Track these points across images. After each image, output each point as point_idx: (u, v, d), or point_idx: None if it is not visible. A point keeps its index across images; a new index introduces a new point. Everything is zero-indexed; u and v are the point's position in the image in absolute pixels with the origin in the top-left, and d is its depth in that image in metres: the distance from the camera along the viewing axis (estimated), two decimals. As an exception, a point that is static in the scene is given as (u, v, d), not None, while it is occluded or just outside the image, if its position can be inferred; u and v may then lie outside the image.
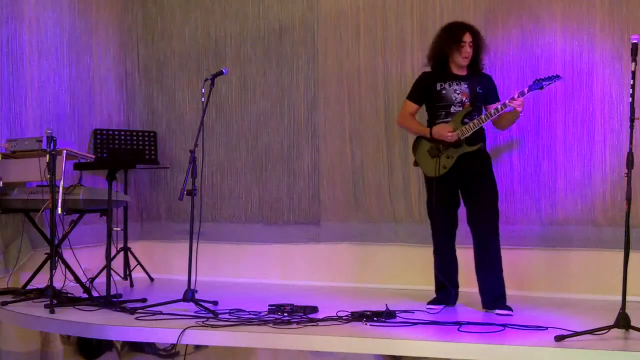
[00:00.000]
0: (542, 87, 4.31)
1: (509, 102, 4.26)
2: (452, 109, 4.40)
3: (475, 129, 4.33)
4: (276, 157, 5.92)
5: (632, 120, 3.52)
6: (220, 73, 4.63)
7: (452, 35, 4.39)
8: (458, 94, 4.41)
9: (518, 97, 4.24)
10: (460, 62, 4.39)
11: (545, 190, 5.09)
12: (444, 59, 4.44)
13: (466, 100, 4.40)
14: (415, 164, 4.59)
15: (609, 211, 4.91)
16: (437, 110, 4.45)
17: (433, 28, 5.33)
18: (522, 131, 5.14)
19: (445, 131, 4.34)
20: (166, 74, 6.29)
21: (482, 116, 4.35)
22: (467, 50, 4.37)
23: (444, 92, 4.42)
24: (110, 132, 5.95)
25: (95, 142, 5.88)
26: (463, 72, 4.45)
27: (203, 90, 4.55)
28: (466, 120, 4.36)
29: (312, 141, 5.80)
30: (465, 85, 4.41)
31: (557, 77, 4.34)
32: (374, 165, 5.58)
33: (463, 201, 4.50)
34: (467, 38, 4.36)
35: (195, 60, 6.18)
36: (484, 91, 4.46)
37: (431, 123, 4.48)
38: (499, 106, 4.31)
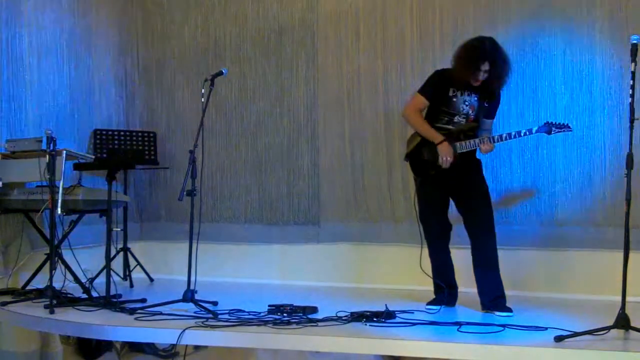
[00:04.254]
0: (550, 132, 4.33)
1: (515, 135, 4.32)
2: (456, 119, 4.40)
3: (473, 149, 4.37)
4: (276, 158, 5.92)
5: (632, 120, 3.52)
6: (220, 73, 4.62)
7: (470, 60, 4.27)
8: (467, 105, 4.39)
9: (524, 134, 4.28)
10: (471, 82, 4.35)
11: (545, 191, 5.09)
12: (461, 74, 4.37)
13: (472, 114, 4.40)
14: (406, 158, 4.58)
15: (608, 211, 4.91)
16: (440, 114, 4.43)
17: (433, 28, 5.36)
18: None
19: (448, 155, 4.30)
20: (166, 74, 6.28)
21: (482, 138, 4.36)
22: (480, 77, 4.29)
23: (454, 99, 4.39)
24: (110, 133, 5.95)
25: (95, 142, 5.88)
26: (478, 85, 4.37)
27: (203, 90, 4.55)
28: (469, 133, 4.37)
29: (312, 141, 5.80)
30: (476, 98, 4.40)
31: (568, 128, 4.37)
32: (374, 165, 5.58)
33: (456, 206, 4.52)
34: (485, 67, 4.25)
35: (194, 60, 6.18)
36: (489, 105, 4.45)
37: (430, 123, 4.44)
38: (505, 135, 4.33)
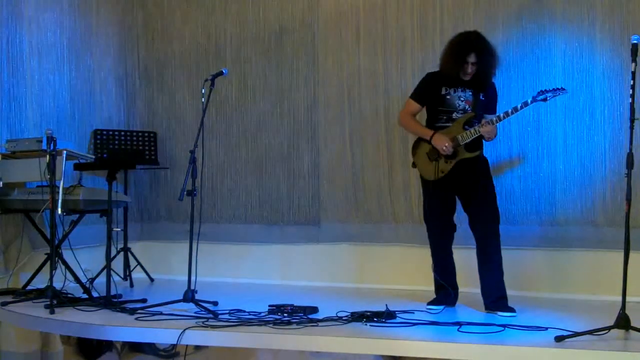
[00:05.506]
0: (545, 99, 4.23)
1: (512, 111, 4.23)
2: (454, 115, 4.40)
3: (476, 135, 4.32)
4: (276, 158, 5.92)
5: (632, 120, 3.52)
6: (221, 73, 4.63)
7: (456, 54, 4.30)
8: (462, 101, 4.40)
9: (520, 108, 4.21)
10: (462, 77, 4.37)
11: (545, 191, 5.09)
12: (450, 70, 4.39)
13: (469, 109, 4.40)
14: (414, 165, 4.59)
15: (608, 211, 4.91)
16: (438, 114, 4.44)
17: (433, 28, 5.35)
18: (522, 131, 5.14)
19: (443, 143, 4.31)
20: (166, 74, 6.29)
21: (480, 124, 4.31)
22: (469, 70, 4.31)
23: (448, 97, 4.41)
24: (110, 133, 5.95)
25: (95, 142, 5.88)
26: (469, 78, 4.40)
27: (203, 90, 4.55)
28: (467, 127, 4.35)
29: (312, 142, 5.80)
30: (470, 93, 4.40)
31: (563, 90, 4.23)
32: (374, 165, 5.58)
33: (463, 207, 4.52)
34: (472, 59, 4.27)
35: (195, 60, 6.18)
36: (486, 99, 4.44)
37: (430, 125, 4.47)
38: (502, 114, 4.28)
